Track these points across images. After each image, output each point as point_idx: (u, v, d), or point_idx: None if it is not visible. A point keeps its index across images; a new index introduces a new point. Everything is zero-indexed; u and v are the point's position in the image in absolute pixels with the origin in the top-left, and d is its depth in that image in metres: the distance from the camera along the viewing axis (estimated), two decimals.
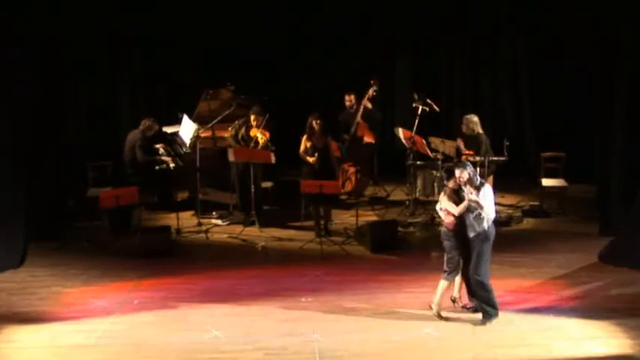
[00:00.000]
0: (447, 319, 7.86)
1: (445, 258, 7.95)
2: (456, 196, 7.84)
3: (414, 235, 10.78)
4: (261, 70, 13.48)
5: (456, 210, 7.77)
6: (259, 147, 11.09)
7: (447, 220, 7.90)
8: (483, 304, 7.78)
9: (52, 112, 10.70)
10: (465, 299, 8.10)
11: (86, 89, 13.32)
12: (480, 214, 7.68)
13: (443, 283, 7.92)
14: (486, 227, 7.74)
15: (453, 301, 8.12)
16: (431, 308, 7.96)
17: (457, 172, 7.75)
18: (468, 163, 7.94)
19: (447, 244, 7.92)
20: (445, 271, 7.91)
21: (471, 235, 7.73)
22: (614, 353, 7.12)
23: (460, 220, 7.78)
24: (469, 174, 7.71)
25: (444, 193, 7.97)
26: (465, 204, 7.71)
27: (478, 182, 7.77)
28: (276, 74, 13.61)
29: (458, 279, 8.03)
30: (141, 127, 11.46)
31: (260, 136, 11.11)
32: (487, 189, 7.80)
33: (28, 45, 9.80)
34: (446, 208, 7.88)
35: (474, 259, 7.73)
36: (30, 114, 9.96)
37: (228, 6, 13.49)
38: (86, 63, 12.95)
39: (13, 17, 9.54)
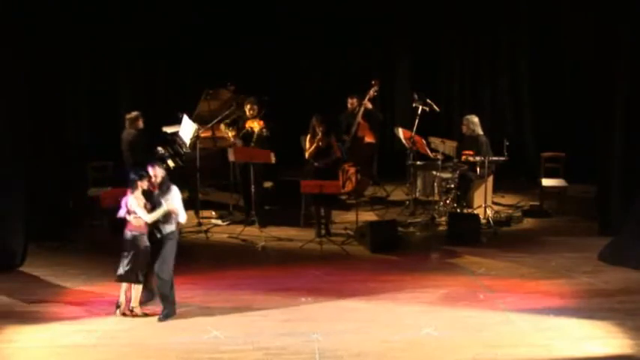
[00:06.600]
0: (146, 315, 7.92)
1: (131, 263, 7.78)
2: (145, 198, 7.77)
3: (414, 235, 10.78)
4: (261, 70, 13.47)
5: (150, 217, 7.71)
6: (255, 136, 11.05)
7: (137, 222, 7.77)
8: (166, 302, 7.88)
9: (52, 112, 10.68)
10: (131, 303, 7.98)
11: (86, 89, 13.31)
12: (171, 216, 7.77)
13: (137, 287, 7.89)
14: (174, 228, 7.86)
15: (118, 306, 7.97)
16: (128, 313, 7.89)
17: (151, 171, 7.73)
18: (162, 164, 7.99)
19: (137, 247, 7.77)
20: (132, 275, 7.82)
21: (159, 235, 7.79)
22: (614, 353, 7.12)
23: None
24: (163, 174, 7.77)
25: (133, 194, 7.72)
26: (161, 211, 7.70)
27: (168, 183, 7.82)
28: (276, 74, 13.59)
29: (125, 285, 7.92)
30: (127, 124, 11.42)
31: (255, 125, 11.09)
32: (175, 190, 7.88)
33: (29, 45, 9.80)
34: (135, 211, 7.71)
35: (160, 258, 7.80)
36: (30, 114, 9.95)
37: (227, 6, 13.49)
38: (86, 63, 12.94)
39: (14, 17, 9.53)
